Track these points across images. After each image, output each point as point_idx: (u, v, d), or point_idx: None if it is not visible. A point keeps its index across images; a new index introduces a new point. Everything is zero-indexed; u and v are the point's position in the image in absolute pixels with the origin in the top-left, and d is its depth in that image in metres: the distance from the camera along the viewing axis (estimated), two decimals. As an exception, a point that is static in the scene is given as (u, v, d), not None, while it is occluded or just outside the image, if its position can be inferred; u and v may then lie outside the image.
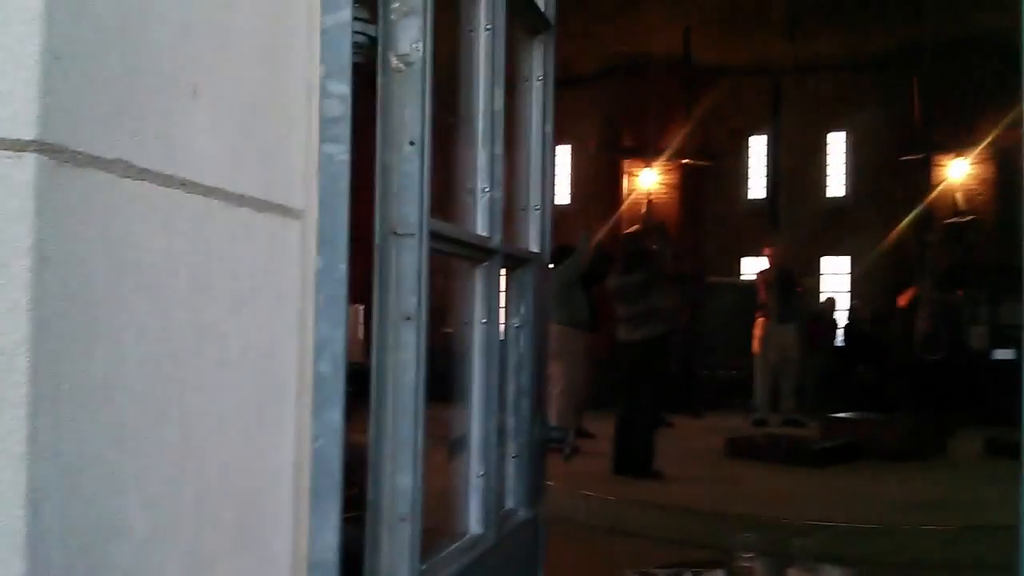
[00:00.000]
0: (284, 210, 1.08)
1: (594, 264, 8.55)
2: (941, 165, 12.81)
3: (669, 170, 14.08)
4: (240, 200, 0.99)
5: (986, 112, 11.88)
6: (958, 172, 12.74)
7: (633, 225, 12.16)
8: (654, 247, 7.99)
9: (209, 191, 0.93)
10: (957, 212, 12.61)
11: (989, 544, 5.16)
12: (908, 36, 12.48)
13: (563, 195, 14.60)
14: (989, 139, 12.09)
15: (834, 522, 5.52)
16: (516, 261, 1.74)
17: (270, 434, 1.04)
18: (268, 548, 1.02)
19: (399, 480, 1.22)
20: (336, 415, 1.10)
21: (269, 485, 1.03)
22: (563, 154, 14.59)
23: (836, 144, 14.52)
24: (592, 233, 8.95)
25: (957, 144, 12.43)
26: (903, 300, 11.14)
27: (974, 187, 12.75)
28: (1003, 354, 11.81)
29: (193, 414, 0.90)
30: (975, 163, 12.64)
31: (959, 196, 12.70)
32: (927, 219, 11.70)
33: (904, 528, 5.52)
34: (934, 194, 12.71)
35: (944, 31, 12.13)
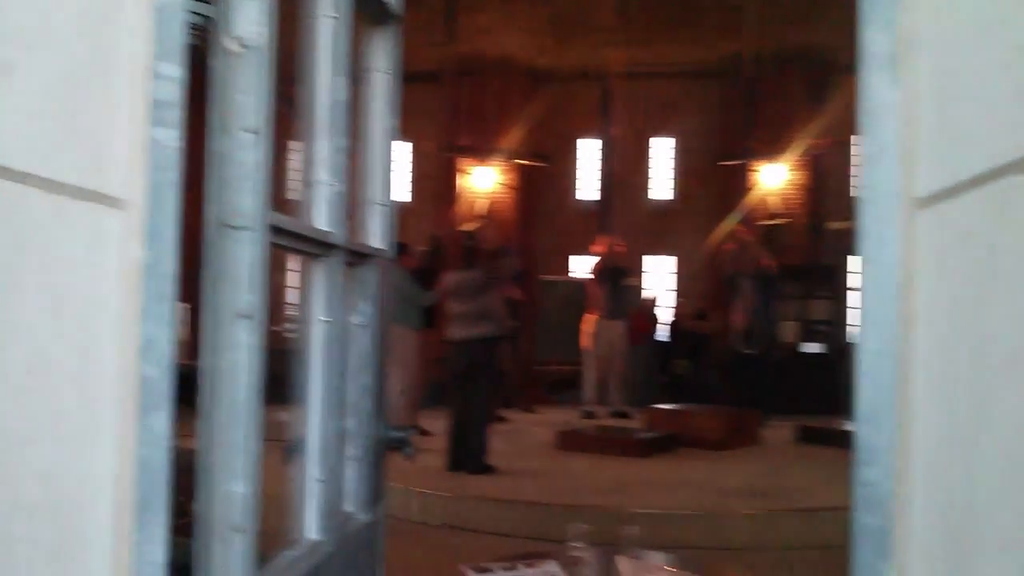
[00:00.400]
0: (106, 199, 0.99)
1: (430, 260, 8.52)
2: (759, 170, 13.60)
3: (506, 170, 14.24)
4: (57, 188, 0.90)
5: (800, 121, 12.75)
6: (774, 177, 13.55)
7: (471, 223, 12.21)
8: (492, 248, 8.05)
9: (22, 176, 0.84)
10: (772, 215, 13.41)
11: (802, 526, 5.53)
12: (730, 48, 13.23)
13: (404, 192, 14.54)
14: (802, 146, 12.95)
15: (658, 509, 5.76)
16: (359, 257, 1.69)
17: (89, 442, 0.95)
18: (88, 566, 0.94)
19: (232, 488, 1.16)
20: (163, 421, 1.03)
21: (89, 498, 0.95)
22: (404, 151, 14.50)
23: (663, 148, 15.13)
24: (436, 233, 8.84)
25: (774, 151, 13.23)
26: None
27: (789, 192, 13.61)
28: (811, 348, 12.72)
29: (3, 423, 0.81)
30: (791, 169, 13.49)
31: (774, 200, 13.50)
32: (745, 221, 12.35)
33: (722, 513, 5.81)
34: (752, 198, 13.47)
35: (763, 45, 12.93)
